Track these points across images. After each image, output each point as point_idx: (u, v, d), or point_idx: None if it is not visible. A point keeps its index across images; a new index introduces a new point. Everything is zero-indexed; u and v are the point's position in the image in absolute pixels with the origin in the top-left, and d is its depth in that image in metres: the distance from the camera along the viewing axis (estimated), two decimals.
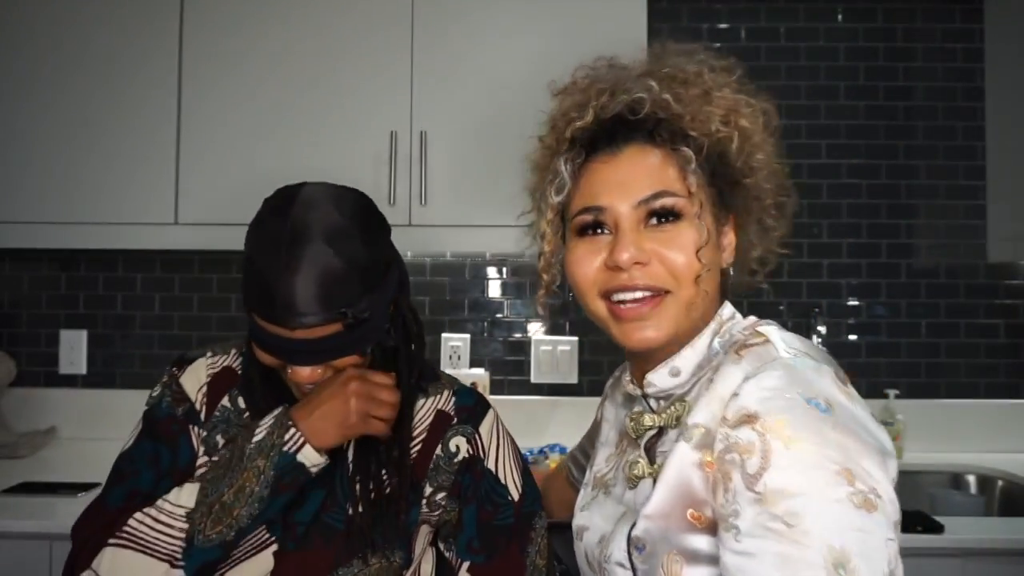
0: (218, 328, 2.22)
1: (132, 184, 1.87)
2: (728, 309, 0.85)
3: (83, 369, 2.21)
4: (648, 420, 0.83)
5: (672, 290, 0.80)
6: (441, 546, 1.07)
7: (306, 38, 1.87)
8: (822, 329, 2.05)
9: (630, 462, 0.84)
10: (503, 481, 1.05)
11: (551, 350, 2.19)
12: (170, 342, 2.21)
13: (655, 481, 0.78)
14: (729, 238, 0.86)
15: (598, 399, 1.10)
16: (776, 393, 0.69)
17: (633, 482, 0.83)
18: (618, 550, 0.80)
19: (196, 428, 1.02)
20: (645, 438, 0.84)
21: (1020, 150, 2.02)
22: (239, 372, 1.05)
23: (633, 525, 0.78)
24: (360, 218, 0.94)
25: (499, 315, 2.22)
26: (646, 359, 0.85)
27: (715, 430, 0.72)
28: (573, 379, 2.18)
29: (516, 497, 1.04)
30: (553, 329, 2.20)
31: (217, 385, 1.04)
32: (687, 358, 0.82)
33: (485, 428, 1.06)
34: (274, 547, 0.98)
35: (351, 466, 1.02)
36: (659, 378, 0.83)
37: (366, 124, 1.86)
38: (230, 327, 2.20)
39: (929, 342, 2.17)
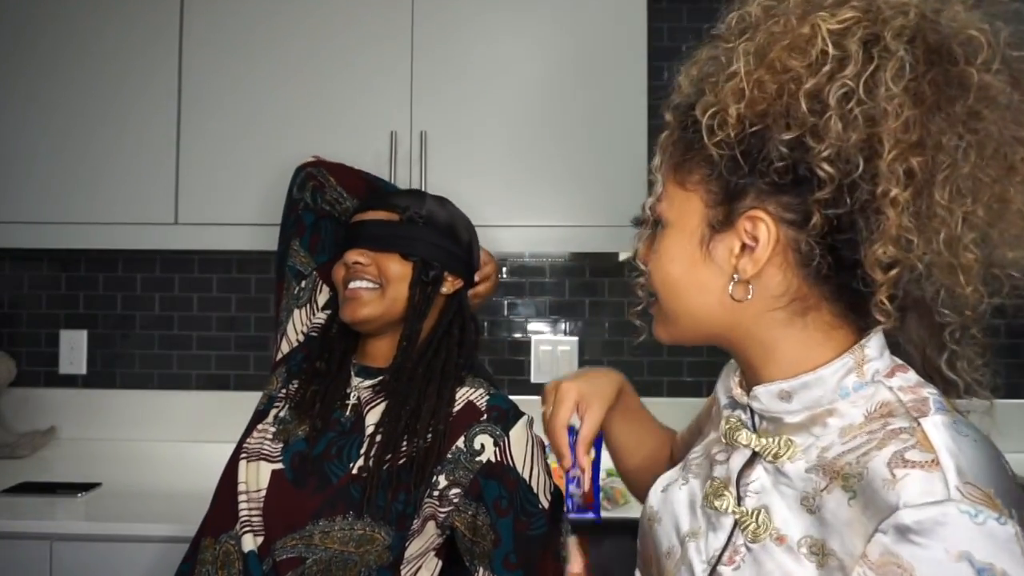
0: (218, 328, 2.22)
1: (132, 184, 1.87)
2: (875, 341, 0.69)
3: (83, 369, 2.21)
4: (744, 438, 0.71)
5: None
6: (467, 561, 1.04)
7: (306, 39, 1.87)
8: None
9: (715, 482, 0.74)
10: (535, 490, 1.03)
11: (551, 350, 2.19)
12: (170, 342, 2.21)
13: (736, 528, 0.69)
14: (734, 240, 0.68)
15: None
16: (938, 553, 0.56)
17: (711, 504, 0.72)
18: None
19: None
20: (735, 455, 0.73)
21: None
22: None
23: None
24: (454, 209, 1.21)
25: (499, 315, 2.22)
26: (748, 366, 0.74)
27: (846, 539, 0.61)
28: None
29: (546, 505, 1.04)
30: (553, 329, 2.21)
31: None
32: (805, 385, 0.68)
33: (515, 434, 1.05)
34: (278, 466, 1.00)
35: (372, 428, 1.03)
36: (766, 395, 0.70)
37: (366, 124, 1.85)
38: (230, 327, 2.20)
39: None
